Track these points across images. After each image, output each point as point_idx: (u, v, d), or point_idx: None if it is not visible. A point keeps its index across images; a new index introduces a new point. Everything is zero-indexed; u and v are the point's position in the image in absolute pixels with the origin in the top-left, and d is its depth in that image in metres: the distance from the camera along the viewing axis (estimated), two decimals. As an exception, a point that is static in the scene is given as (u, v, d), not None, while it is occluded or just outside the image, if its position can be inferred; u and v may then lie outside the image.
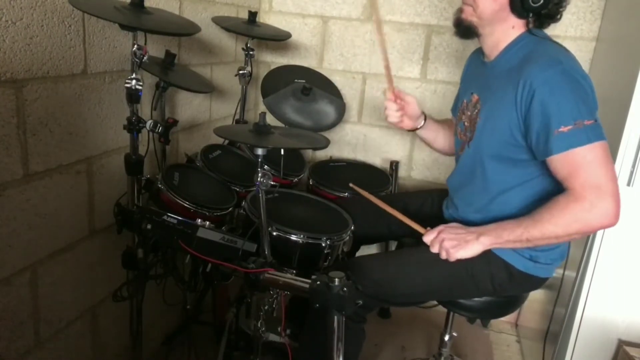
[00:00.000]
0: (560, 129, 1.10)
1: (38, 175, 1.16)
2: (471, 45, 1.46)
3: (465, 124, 1.37)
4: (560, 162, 1.12)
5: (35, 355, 1.25)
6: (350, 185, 1.63)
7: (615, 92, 1.51)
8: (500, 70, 1.26)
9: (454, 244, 1.23)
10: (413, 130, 1.59)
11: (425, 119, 1.58)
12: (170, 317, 1.86)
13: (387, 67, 1.43)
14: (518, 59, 1.22)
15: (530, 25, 1.24)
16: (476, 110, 1.32)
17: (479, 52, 1.41)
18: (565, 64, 1.14)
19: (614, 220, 1.11)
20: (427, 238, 1.29)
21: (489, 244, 1.21)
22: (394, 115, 1.50)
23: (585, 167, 1.10)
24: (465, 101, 1.41)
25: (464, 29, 1.29)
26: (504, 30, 1.26)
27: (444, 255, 1.24)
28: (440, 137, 1.63)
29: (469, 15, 1.26)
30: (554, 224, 1.13)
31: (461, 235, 1.24)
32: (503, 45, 1.27)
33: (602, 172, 1.10)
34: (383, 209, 1.41)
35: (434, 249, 1.26)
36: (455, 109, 1.57)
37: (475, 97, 1.35)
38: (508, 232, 1.19)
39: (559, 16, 1.24)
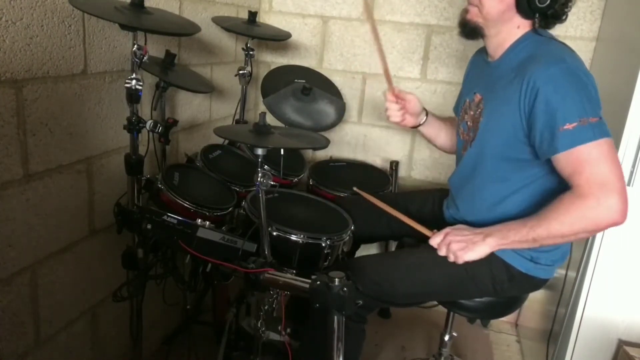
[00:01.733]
0: (566, 127, 1.09)
1: (38, 175, 1.16)
2: (472, 46, 1.46)
3: (468, 123, 1.37)
4: (566, 159, 1.11)
5: (35, 355, 1.25)
6: (355, 189, 1.61)
7: (615, 92, 1.51)
8: (503, 70, 1.26)
9: (462, 246, 1.20)
10: (415, 127, 1.58)
11: (427, 115, 1.57)
12: (170, 317, 1.86)
13: (386, 69, 1.44)
14: (522, 58, 1.21)
15: (536, 26, 1.24)
16: (479, 110, 1.32)
17: (482, 52, 1.41)
18: (569, 62, 1.13)
19: (620, 218, 1.08)
20: (434, 241, 1.27)
21: (495, 245, 1.19)
22: (395, 114, 1.51)
23: (590, 164, 1.08)
24: (467, 101, 1.40)
25: (470, 30, 1.28)
26: (509, 30, 1.25)
27: (452, 258, 1.22)
28: (443, 134, 1.62)
29: (474, 16, 1.26)
30: (560, 222, 1.11)
31: (468, 237, 1.22)
32: (507, 44, 1.27)
33: (607, 168, 1.08)
34: (389, 213, 1.40)
35: (442, 252, 1.24)
36: (457, 108, 1.57)
37: (478, 96, 1.34)
38: (514, 232, 1.17)
39: (564, 17, 1.23)
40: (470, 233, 1.23)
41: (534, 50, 1.21)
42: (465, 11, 1.28)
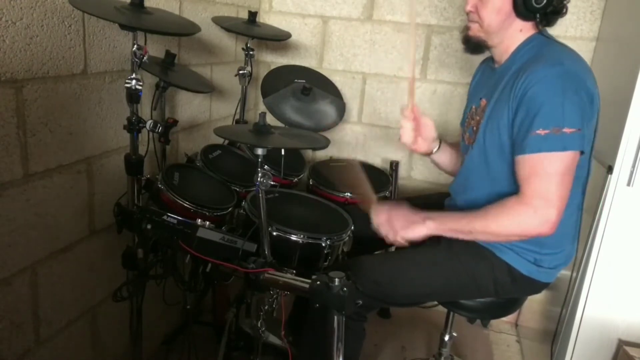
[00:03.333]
0: (538, 131, 1.10)
1: (38, 175, 1.16)
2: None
3: (474, 128, 1.37)
4: (524, 162, 1.14)
5: (35, 355, 1.25)
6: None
7: (615, 92, 1.51)
8: (507, 73, 1.26)
9: (403, 225, 1.24)
10: (427, 154, 1.52)
11: (440, 143, 1.52)
12: (170, 317, 1.86)
13: (413, 81, 1.40)
14: (524, 60, 1.22)
15: (539, 27, 1.24)
16: (483, 113, 1.32)
17: (489, 60, 1.42)
18: (567, 65, 1.13)
19: (549, 232, 1.13)
20: (378, 218, 1.29)
21: (433, 228, 1.23)
22: (408, 135, 1.43)
23: (542, 177, 1.12)
24: (474, 107, 1.40)
25: (474, 46, 1.30)
26: (512, 35, 1.25)
27: (391, 236, 1.25)
28: (455, 159, 1.56)
29: (476, 31, 1.27)
30: (497, 223, 1.17)
31: (409, 216, 1.25)
32: (512, 49, 1.27)
33: (555, 187, 1.11)
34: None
35: (383, 229, 1.27)
36: (464, 120, 1.57)
37: (483, 101, 1.35)
38: (453, 221, 1.22)
39: (565, 10, 1.22)
40: (411, 213, 1.26)
41: (536, 53, 1.21)
42: (467, 28, 1.29)
